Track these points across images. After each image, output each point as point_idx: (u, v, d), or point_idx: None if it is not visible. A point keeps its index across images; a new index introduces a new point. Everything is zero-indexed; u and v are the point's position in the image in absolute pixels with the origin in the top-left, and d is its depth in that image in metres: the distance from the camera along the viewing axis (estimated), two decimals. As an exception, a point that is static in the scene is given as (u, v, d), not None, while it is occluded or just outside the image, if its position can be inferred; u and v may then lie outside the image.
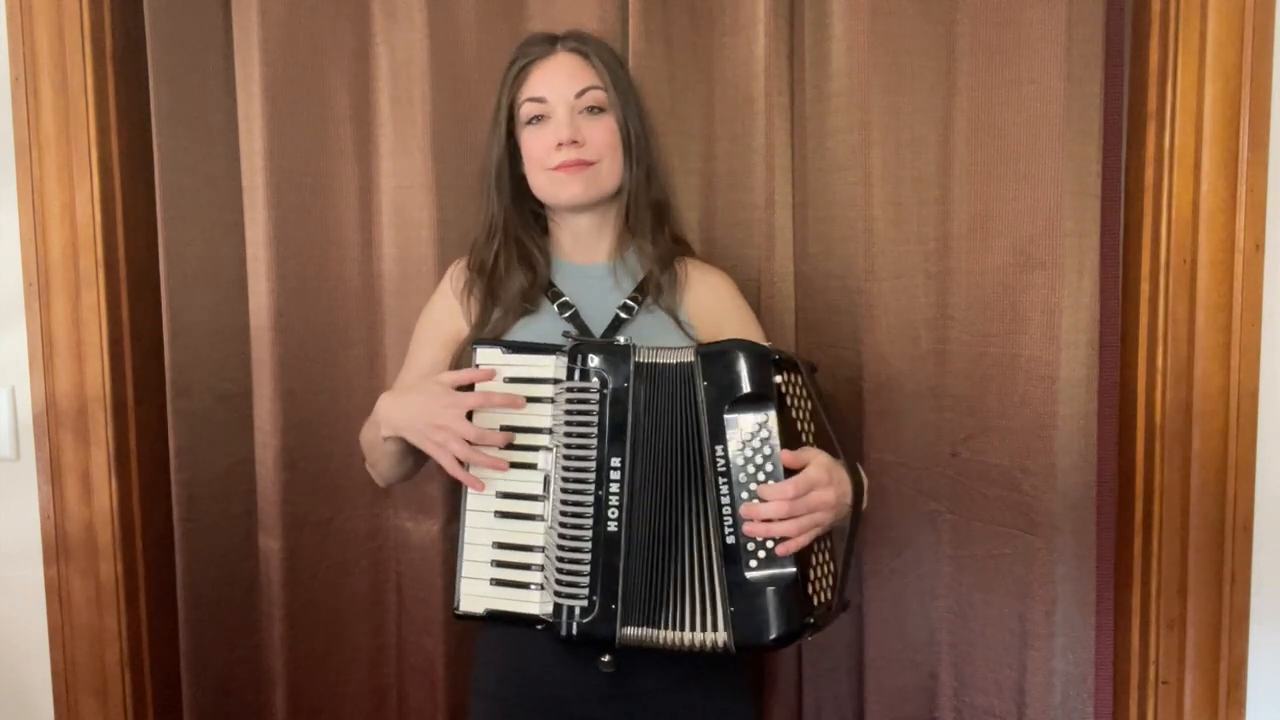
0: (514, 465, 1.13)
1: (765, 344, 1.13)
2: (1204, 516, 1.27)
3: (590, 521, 1.09)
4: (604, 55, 1.24)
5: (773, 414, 1.06)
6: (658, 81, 1.46)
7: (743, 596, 1.05)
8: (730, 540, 1.06)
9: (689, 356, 1.10)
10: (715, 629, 1.07)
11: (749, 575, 1.05)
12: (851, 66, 1.38)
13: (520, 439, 1.13)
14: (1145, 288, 1.31)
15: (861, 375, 1.42)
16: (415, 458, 1.27)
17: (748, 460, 1.06)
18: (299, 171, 1.52)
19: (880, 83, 1.36)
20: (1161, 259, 1.28)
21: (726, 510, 1.06)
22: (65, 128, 1.45)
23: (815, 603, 1.07)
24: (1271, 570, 1.27)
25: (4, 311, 1.49)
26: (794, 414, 1.09)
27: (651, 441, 1.10)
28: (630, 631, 1.08)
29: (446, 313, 1.30)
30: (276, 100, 1.49)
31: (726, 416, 1.07)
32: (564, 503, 1.10)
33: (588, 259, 1.29)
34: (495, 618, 1.14)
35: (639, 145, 1.24)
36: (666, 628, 1.08)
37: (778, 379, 1.07)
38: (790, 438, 1.07)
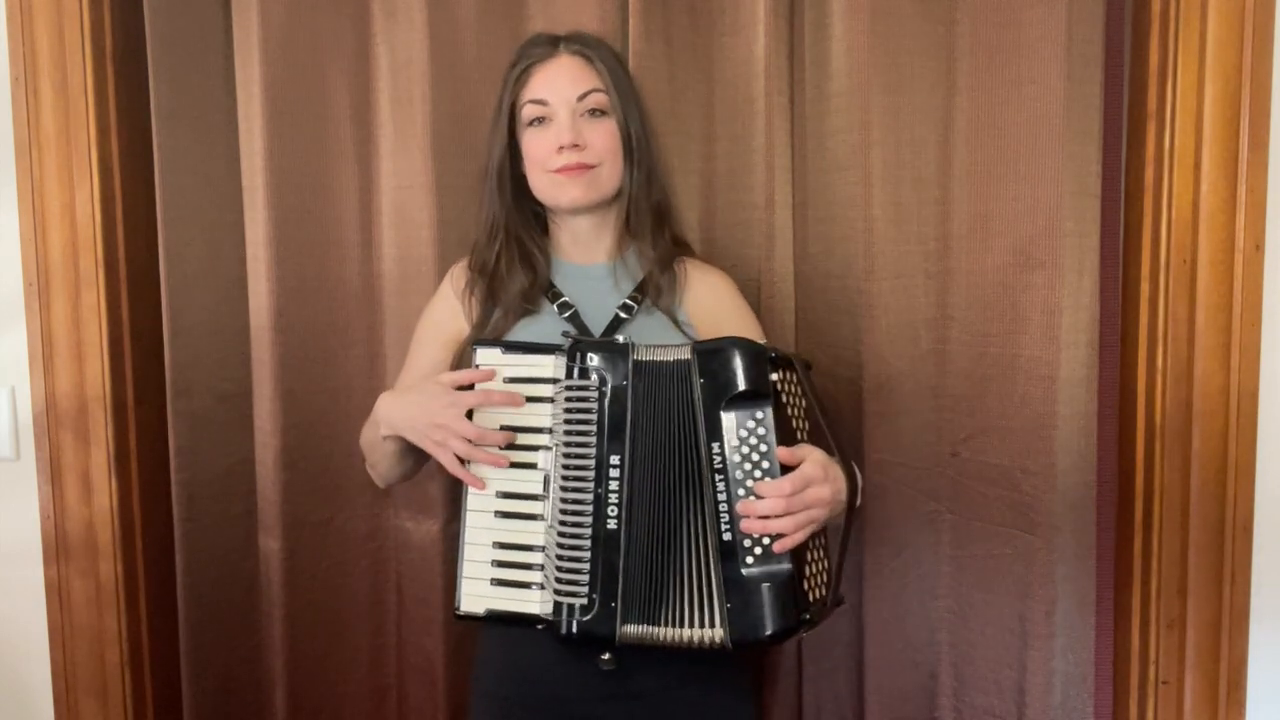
0: (514, 465, 1.14)
1: (761, 342, 1.15)
2: (1204, 516, 1.28)
3: (590, 519, 1.10)
4: (606, 58, 1.25)
5: (769, 411, 1.08)
6: (658, 81, 1.47)
7: (739, 593, 1.07)
8: (727, 537, 1.08)
9: (686, 354, 1.11)
10: (712, 625, 1.08)
11: (745, 572, 1.07)
12: (851, 66, 1.39)
13: (520, 439, 1.14)
14: (1145, 288, 1.31)
15: (861, 375, 1.43)
16: (415, 458, 1.28)
17: (744, 457, 1.07)
18: (299, 171, 1.53)
19: (880, 83, 1.37)
20: (1161, 259, 1.29)
21: (723, 507, 1.08)
22: (65, 128, 1.46)
23: (811, 599, 1.09)
24: (1271, 570, 1.28)
25: (4, 311, 1.50)
26: (790, 411, 1.11)
27: (650, 439, 1.11)
28: (630, 629, 1.09)
29: (448, 313, 1.31)
30: (276, 100, 1.50)
31: (723, 414, 1.08)
32: (564, 500, 1.11)
33: (587, 259, 1.30)
34: (496, 618, 1.15)
35: (640, 148, 1.25)
36: (665, 625, 1.10)
37: (774, 376, 1.09)
38: (786, 435, 1.09)
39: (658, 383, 1.11)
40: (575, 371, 1.12)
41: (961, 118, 1.38)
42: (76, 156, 1.46)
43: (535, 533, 1.14)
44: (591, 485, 1.10)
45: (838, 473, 1.10)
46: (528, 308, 1.26)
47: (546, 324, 1.24)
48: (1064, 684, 1.36)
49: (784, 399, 1.10)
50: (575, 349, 1.13)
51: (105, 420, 1.49)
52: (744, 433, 1.08)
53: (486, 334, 1.25)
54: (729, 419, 1.08)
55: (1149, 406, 1.31)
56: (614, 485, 1.10)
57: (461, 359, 1.25)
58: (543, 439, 1.14)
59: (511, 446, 1.14)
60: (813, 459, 1.08)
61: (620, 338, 1.15)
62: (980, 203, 1.37)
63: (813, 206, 1.48)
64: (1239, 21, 1.22)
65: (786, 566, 1.06)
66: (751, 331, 1.27)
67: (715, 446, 1.08)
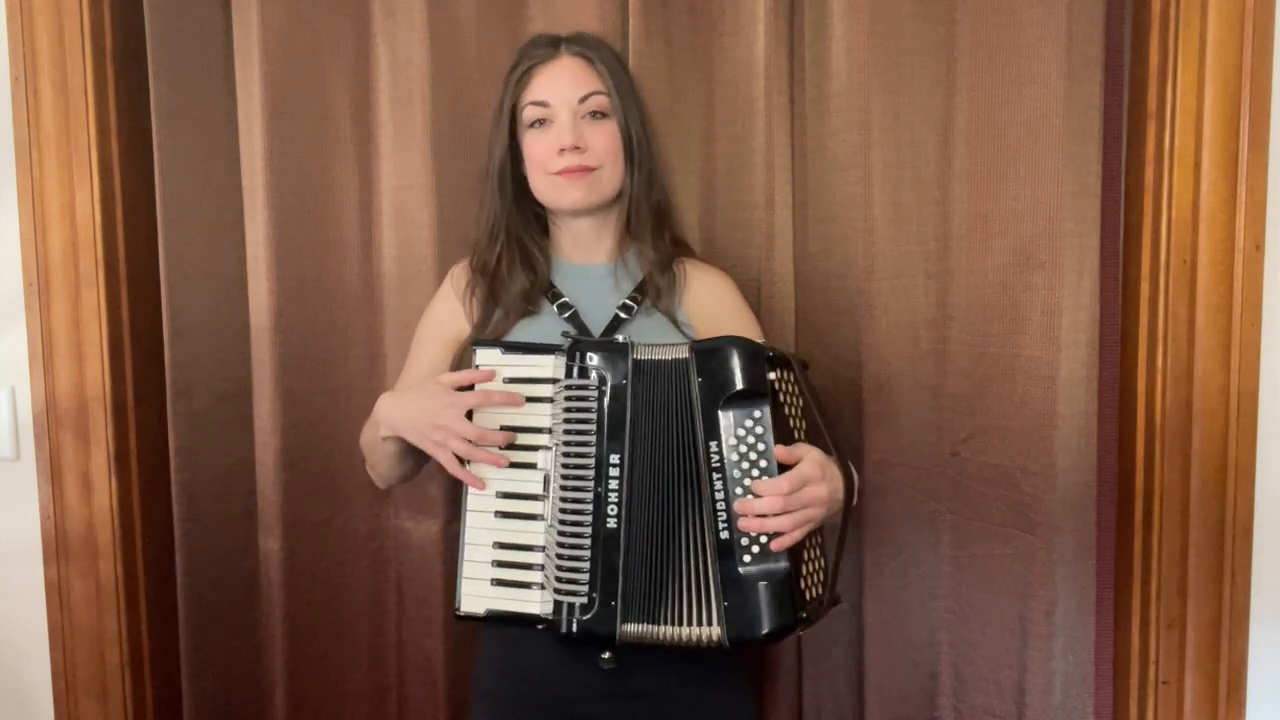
0: (514, 465, 1.15)
1: (759, 341, 1.15)
2: (1204, 516, 1.28)
3: (590, 518, 1.10)
4: (608, 59, 1.26)
5: (766, 410, 1.09)
6: (658, 81, 1.48)
7: (736, 591, 1.08)
8: (724, 535, 1.09)
9: (684, 353, 1.12)
10: (709, 623, 1.09)
11: (742, 570, 1.08)
12: (851, 66, 1.39)
13: (520, 439, 1.15)
14: (1145, 288, 1.32)
15: (861, 375, 1.44)
16: (415, 459, 1.28)
17: (742, 456, 1.08)
18: (299, 171, 1.54)
19: (880, 83, 1.38)
20: (1161, 259, 1.29)
21: (720, 506, 1.09)
22: (65, 128, 1.46)
23: (807, 598, 1.11)
24: (1271, 570, 1.28)
25: (4, 311, 1.50)
26: (787, 410, 1.12)
27: (649, 438, 1.12)
28: (630, 628, 1.10)
29: (448, 314, 1.32)
30: (276, 100, 1.51)
31: (720, 413, 1.09)
32: (563, 500, 1.11)
33: (587, 260, 1.31)
34: (496, 618, 1.16)
35: (640, 150, 1.26)
36: (664, 623, 1.11)
37: (771, 375, 1.10)
38: (783, 434, 1.10)
39: (657, 382, 1.12)
40: (575, 371, 1.13)
41: (961, 118, 1.38)
42: (76, 156, 1.47)
43: (535, 533, 1.15)
44: (591, 484, 1.11)
45: (835, 472, 1.11)
46: (528, 308, 1.26)
47: (546, 324, 1.25)
48: (1064, 684, 1.37)
49: (781, 398, 1.11)
50: (575, 348, 1.14)
51: (105, 420, 1.50)
52: (742, 431, 1.09)
53: (487, 334, 1.25)
54: (727, 418, 1.09)
55: (1149, 406, 1.32)
56: (614, 484, 1.11)
57: (461, 359, 1.26)
58: (542, 439, 1.14)
59: (511, 446, 1.15)
60: (810, 458, 1.09)
61: (620, 337, 1.16)
62: (980, 203, 1.37)
63: (813, 206, 1.48)
64: (1239, 21, 1.23)
65: (783, 565, 1.07)
66: (751, 331, 1.27)
67: (713, 445, 1.09)
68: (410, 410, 1.18)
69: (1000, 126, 1.35)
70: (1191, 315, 1.27)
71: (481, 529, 1.16)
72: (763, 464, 1.08)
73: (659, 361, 1.13)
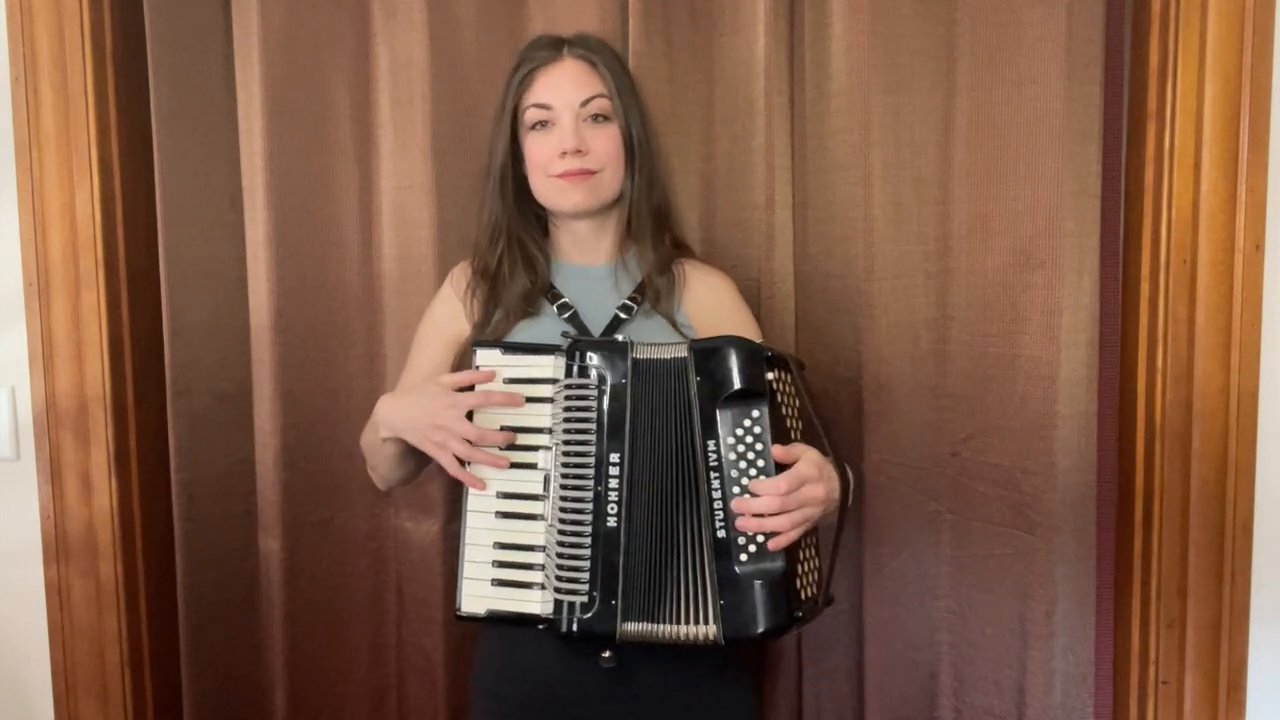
0: (514, 465, 1.16)
1: (757, 341, 1.16)
2: (1204, 516, 1.29)
3: (590, 517, 1.12)
4: (610, 62, 1.26)
5: (764, 410, 1.10)
6: (658, 81, 1.48)
7: (732, 590, 1.09)
8: (721, 534, 1.10)
9: (683, 352, 1.14)
10: (706, 622, 1.10)
11: (738, 569, 1.09)
12: (851, 66, 1.40)
13: (520, 439, 1.16)
14: (1145, 288, 1.32)
15: (861, 375, 1.44)
16: (416, 460, 1.29)
17: (739, 455, 1.10)
18: (299, 171, 1.55)
19: (880, 83, 1.39)
20: (1161, 259, 1.30)
21: (718, 505, 1.10)
22: (65, 128, 1.47)
23: (803, 597, 1.12)
24: (1271, 570, 1.29)
25: (4, 311, 1.51)
26: (784, 410, 1.14)
27: (649, 437, 1.13)
28: (630, 627, 1.11)
29: (449, 314, 1.32)
30: (276, 100, 1.52)
31: (718, 412, 1.11)
32: (564, 499, 1.12)
33: (588, 261, 1.32)
34: (497, 618, 1.17)
35: (641, 152, 1.27)
36: (663, 621, 1.11)
37: (769, 375, 1.12)
38: (781, 433, 1.12)
39: (656, 381, 1.13)
40: (575, 370, 1.14)
41: (961, 118, 1.39)
42: (76, 156, 1.48)
43: (536, 532, 1.15)
44: (591, 483, 1.12)
45: (831, 472, 1.13)
46: (528, 309, 1.27)
47: (546, 325, 1.26)
48: (1064, 684, 1.38)
49: (779, 398, 1.13)
50: (574, 348, 1.15)
51: (105, 420, 1.51)
52: (740, 431, 1.10)
53: (487, 335, 1.26)
54: (725, 417, 1.10)
55: (1149, 406, 1.33)
56: (613, 483, 1.11)
57: (461, 360, 1.26)
58: (543, 439, 1.15)
59: (511, 447, 1.16)
60: (807, 458, 1.10)
61: (619, 336, 1.16)
62: (980, 203, 1.38)
63: (813, 206, 1.49)
64: (1239, 21, 1.23)
65: (779, 564, 1.08)
66: (750, 332, 1.28)
67: (711, 444, 1.10)
68: (410, 411, 1.19)
69: (1000, 126, 1.36)
70: (1191, 315, 1.28)
71: (482, 529, 1.17)
72: (760, 463, 1.09)
73: (658, 361, 1.14)
